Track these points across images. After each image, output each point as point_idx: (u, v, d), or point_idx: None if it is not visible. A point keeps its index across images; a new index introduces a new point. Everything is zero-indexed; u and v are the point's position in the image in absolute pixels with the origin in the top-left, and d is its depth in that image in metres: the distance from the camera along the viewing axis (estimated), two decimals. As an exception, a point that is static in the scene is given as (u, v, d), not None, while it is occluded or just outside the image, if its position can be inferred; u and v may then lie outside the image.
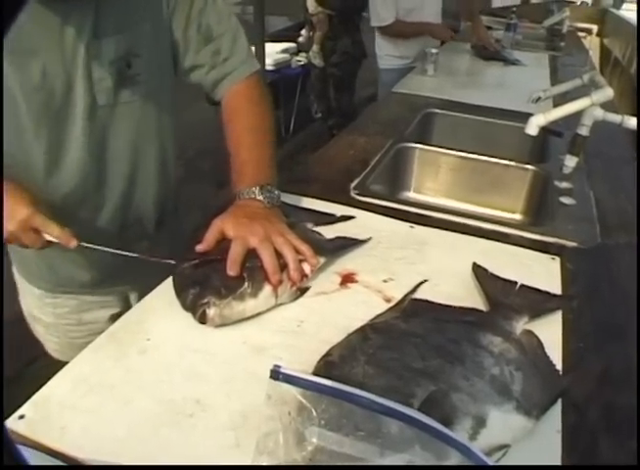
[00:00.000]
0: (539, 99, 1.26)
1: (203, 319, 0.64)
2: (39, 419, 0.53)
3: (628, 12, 3.48)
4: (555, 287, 0.79)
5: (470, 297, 0.75)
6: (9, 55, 0.68)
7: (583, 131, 1.15)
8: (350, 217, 0.91)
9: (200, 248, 0.70)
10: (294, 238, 0.72)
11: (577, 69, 2.35)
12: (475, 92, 1.76)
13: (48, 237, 0.69)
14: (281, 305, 0.70)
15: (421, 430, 0.36)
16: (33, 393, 0.56)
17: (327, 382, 0.39)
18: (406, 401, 0.50)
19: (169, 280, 0.73)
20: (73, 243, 0.69)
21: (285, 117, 3.38)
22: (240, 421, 0.53)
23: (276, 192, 0.77)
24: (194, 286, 0.66)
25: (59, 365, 0.60)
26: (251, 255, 0.68)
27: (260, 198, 0.75)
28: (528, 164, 1.24)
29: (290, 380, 0.38)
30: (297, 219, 0.84)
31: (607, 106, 1.12)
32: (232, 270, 0.65)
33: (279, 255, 0.69)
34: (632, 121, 1.04)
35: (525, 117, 1.51)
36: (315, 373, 0.54)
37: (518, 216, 1.26)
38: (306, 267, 0.72)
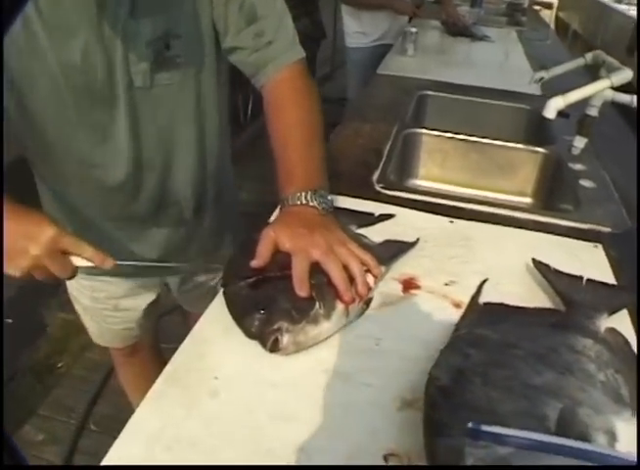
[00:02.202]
0: (542, 79, 1.23)
1: (274, 348, 0.56)
2: (116, 492, 0.44)
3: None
4: (608, 277, 0.77)
5: (534, 294, 0.71)
6: (48, 31, 0.64)
7: (592, 112, 1.13)
8: (390, 216, 0.85)
9: (255, 263, 0.61)
10: (355, 247, 0.65)
11: (542, 43, 2.37)
12: (460, 71, 1.73)
13: (78, 261, 0.60)
14: (348, 323, 0.63)
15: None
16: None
17: (551, 438, 0.32)
18: (543, 426, 0.45)
19: (217, 303, 0.64)
20: (109, 263, 0.61)
21: (243, 102, 3.21)
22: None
23: (329, 197, 0.69)
24: (258, 309, 0.58)
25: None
26: (314, 269, 0.61)
27: (314, 204, 0.66)
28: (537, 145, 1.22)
29: (498, 440, 0.31)
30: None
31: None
32: (302, 290, 0.58)
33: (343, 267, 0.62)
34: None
35: (518, 96, 1.51)
36: (430, 401, 0.48)
37: (528, 200, 1.23)
38: (370, 279, 0.65)
